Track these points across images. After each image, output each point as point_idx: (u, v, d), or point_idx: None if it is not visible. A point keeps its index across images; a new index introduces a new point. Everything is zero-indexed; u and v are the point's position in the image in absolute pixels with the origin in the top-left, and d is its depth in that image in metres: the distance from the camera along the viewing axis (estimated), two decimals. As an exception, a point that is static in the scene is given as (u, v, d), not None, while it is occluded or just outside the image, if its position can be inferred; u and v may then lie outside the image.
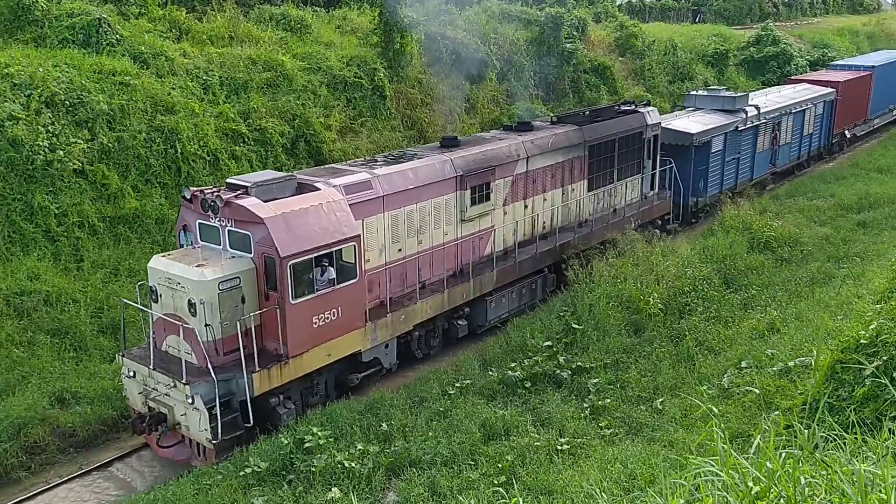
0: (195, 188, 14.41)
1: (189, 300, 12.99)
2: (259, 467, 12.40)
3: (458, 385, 15.12)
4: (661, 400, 14.33)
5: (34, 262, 17.05)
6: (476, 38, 31.43)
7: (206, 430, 12.85)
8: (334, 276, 14.02)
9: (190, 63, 22.80)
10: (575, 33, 36.38)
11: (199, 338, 13.02)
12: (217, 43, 24.90)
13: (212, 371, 12.81)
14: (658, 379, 15.15)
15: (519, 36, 34.52)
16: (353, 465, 12.27)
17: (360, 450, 12.74)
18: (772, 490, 4.93)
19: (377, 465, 12.50)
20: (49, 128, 18.22)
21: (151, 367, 13.37)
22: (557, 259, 19.98)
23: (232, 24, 25.89)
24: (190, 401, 12.80)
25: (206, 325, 13.02)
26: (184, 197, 14.34)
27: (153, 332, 13.66)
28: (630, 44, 41.10)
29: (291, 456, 12.63)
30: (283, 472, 12.45)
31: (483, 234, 18.21)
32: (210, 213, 13.90)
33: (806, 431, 6.12)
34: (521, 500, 7.12)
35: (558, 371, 15.53)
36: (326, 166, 17.77)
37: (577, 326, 17.06)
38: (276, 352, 13.67)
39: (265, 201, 13.60)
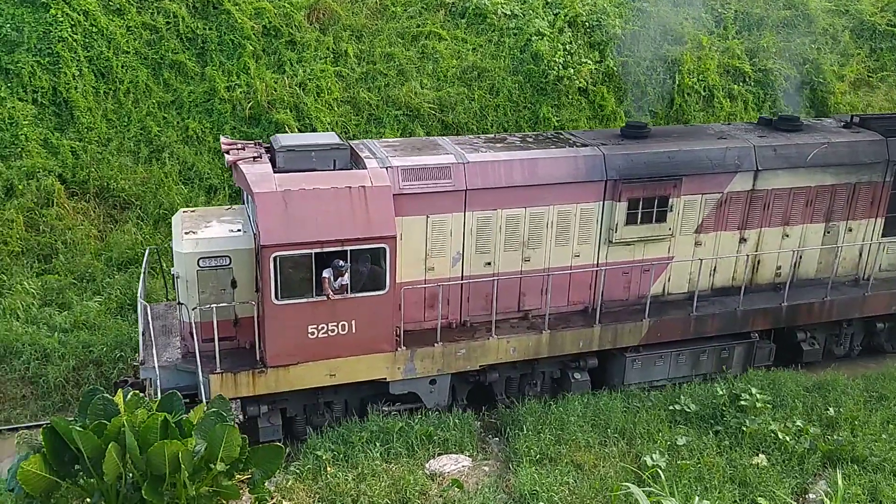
0: (227, 139, 12.35)
1: (171, 270, 11.42)
2: (688, 408, 12.54)
3: (935, 394, 13.16)
4: None
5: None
6: None
7: None
8: (348, 281, 11.13)
9: (711, -7, 22.47)
10: None
11: (179, 315, 11.46)
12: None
13: (154, 359, 10.99)
14: None
15: None
16: (786, 438, 11.68)
17: (797, 426, 12.03)
18: None
19: (813, 448, 11.68)
20: (566, 46, 19.78)
21: (141, 331, 11.95)
22: (783, 325, 14.22)
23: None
24: (147, 383, 11.27)
25: (180, 303, 11.24)
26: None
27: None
28: None
29: (723, 408, 12.47)
30: (712, 421, 12.39)
31: (647, 266, 13.42)
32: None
33: None
34: None
35: None
36: (424, 138, 14.40)
37: None
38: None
39: (284, 171, 11.06)
